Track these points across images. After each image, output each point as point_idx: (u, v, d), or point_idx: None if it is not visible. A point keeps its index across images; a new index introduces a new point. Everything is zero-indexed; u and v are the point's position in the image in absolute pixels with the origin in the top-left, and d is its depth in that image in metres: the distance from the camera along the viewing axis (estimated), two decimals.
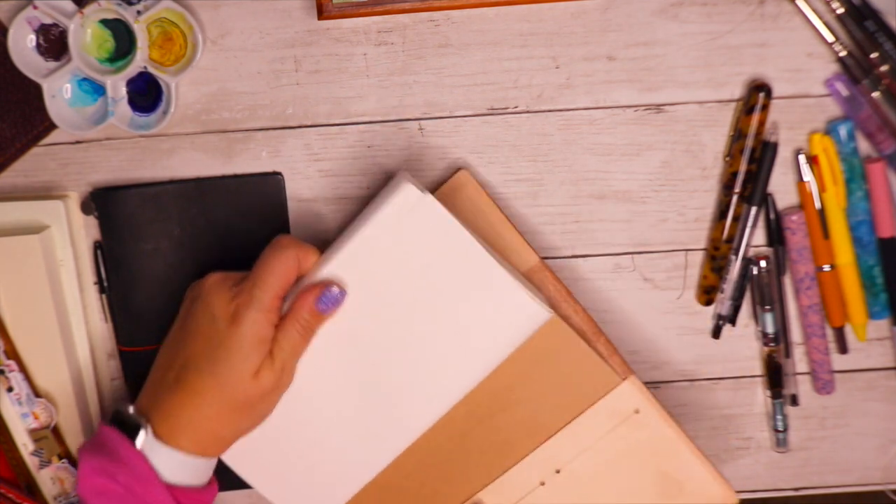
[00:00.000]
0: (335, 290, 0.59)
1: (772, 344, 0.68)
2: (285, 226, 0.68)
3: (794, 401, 0.69)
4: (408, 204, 0.59)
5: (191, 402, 0.59)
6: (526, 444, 0.65)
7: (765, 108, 0.64)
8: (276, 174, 0.67)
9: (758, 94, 0.64)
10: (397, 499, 0.66)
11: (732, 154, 0.66)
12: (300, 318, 0.59)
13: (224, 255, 0.67)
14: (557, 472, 0.65)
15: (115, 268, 0.67)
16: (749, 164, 0.65)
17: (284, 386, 0.61)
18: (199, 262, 0.67)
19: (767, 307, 0.67)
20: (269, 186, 0.67)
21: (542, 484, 0.65)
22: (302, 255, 0.60)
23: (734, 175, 0.65)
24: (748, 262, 0.67)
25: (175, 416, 0.59)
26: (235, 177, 0.67)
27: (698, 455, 0.65)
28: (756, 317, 0.68)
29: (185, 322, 0.61)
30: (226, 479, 0.68)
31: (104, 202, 0.66)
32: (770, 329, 0.68)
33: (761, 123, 0.65)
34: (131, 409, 0.60)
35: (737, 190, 0.65)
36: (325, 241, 0.65)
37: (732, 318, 0.68)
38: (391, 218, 0.59)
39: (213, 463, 0.62)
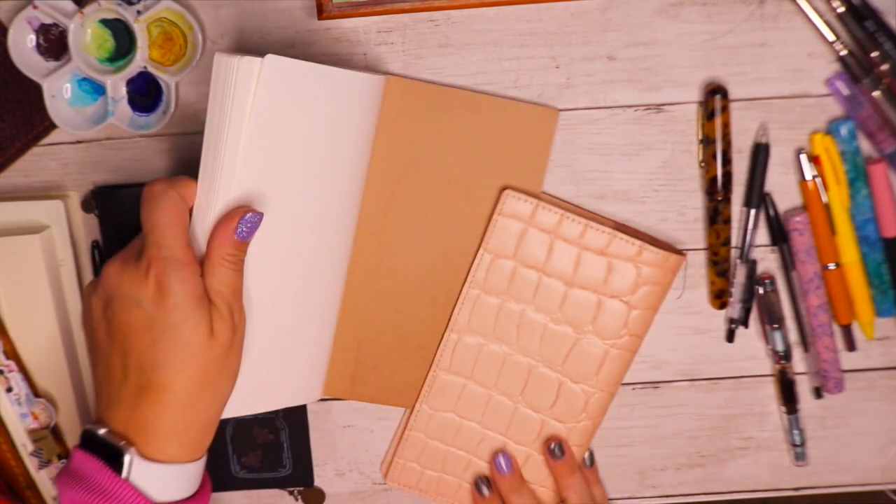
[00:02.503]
0: (248, 214, 0.55)
1: (783, 361, 0.68)
2: None
3: (818, 393, 0.69)
4: (254, 77, 0.54)
5: (165, 402, 0.54)
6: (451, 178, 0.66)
7: (724, 109, 0.64)
8: None
9: (714, 98, 0.64)
10: (359, 297, 0.67)
11: (706, 160, 0.65)
12: (226, 255, 0.55)
13: None
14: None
15: None
16: (724, 167, 0.65)
17: (241, 327, 0.57)
18: None
19: (775, 325, 0.67)
20: None
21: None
22: (182, 190, 0.55)
23: (713, 180, 0.65)
24: (753, 263, 0.67)
25: (155, 426, 0.54)
26: None
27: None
28: (766, 335, 0.68)
29: (109, 328, 0.55)
30: (226, 479, 0.68)
31: (105, 200, 0.66)
32: (780, 347, 0.68)
33: (725, 125, 0.65)
34: (101, 432, 0.54)
35: (719, 195, 0.65)
36: None
37: (745, 320, 0.68)
38: (248, 99, 0.54)
39: (203, 463, 0.58)
